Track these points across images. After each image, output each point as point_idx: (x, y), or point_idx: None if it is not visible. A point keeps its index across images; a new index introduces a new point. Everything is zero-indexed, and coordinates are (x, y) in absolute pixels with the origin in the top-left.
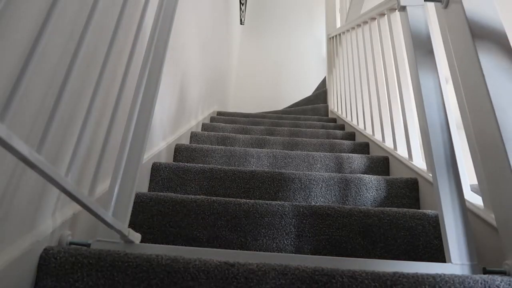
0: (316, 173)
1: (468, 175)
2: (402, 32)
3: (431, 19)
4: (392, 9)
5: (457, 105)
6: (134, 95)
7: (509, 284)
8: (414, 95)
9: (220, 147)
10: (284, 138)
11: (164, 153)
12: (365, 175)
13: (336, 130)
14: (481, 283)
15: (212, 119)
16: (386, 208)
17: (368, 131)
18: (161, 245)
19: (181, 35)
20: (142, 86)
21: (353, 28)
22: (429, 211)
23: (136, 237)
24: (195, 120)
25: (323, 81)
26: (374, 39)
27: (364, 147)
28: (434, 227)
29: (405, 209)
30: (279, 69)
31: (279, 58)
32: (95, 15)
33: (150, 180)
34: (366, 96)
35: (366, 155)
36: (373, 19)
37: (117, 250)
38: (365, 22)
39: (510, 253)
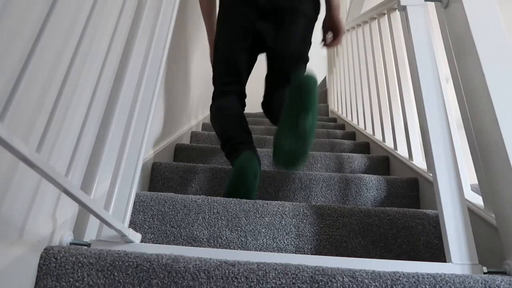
0: (317, 172)
1: (468, 175)
2: (402, 32)
3: (431, 19)
4: (392, 9)
5: (457, 105)
6: (134, 95)
7: (510, 284)
8: (414, 94)
9: None
10: None
11: (164, 153)
12: (365, 174)
13: (336, 130)
14: (481, 283)
15: None
16: (386, 207)
17: (369, 131)
18: (161, 245)
19: (181, 34)
20: (142, 86)
21: (353, 27)
22: (430, 210)
23: (136, 237)
24: (195, 120)
25: (323, 81)
26: (375, 39)
27: (364, 147)
28: (434, 226)
29: (405, 209)
30: None
31: None
32: (93, 15)
33: (150, 180)
34: (366, 95)
35: (367, 154)
36: (373, 18)
37: (117, 250)
38: (365, 22)
39: (510, 253)
